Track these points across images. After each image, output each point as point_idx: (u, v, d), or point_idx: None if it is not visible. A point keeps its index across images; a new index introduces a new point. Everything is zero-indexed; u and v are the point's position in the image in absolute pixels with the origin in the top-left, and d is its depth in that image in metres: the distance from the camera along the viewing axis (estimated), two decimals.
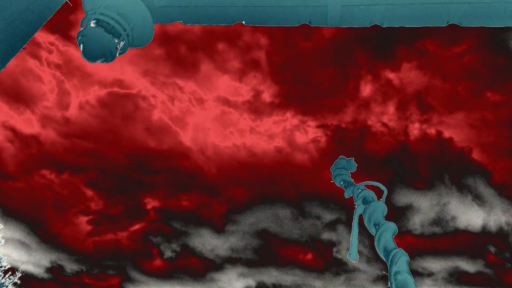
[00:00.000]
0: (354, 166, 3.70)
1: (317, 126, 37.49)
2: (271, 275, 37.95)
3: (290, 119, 37.69)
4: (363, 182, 3.09)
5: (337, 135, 37.23)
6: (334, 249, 37.20)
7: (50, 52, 33.86)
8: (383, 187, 2.92)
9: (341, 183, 3.49)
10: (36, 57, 33.30)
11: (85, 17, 3.50)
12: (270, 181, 38.42)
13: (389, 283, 2.17)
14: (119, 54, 3.66)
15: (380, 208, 2.69)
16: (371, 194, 2.91)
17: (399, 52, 33.87)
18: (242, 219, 38.44)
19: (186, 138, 37.69)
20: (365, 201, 2.83)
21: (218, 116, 37.83)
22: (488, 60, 31.74)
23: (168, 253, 38.28)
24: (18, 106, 33.94)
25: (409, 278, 2.11)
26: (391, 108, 35.73)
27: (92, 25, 3.42)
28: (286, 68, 36.07)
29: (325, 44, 34.74)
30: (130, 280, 37.74)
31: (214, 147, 38.03)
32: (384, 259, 2.35)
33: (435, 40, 32.33)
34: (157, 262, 38.03)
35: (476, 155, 34.61)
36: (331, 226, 37.40)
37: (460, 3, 3.04)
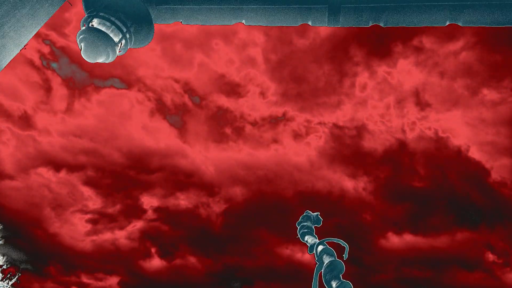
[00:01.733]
0: (319, 221, 3.74)
1: (313, 124, 37.54)
2: (269, 274, 38.03)
3: (286, 116, 37.72)
4: (325, 239, 3.15)
5: (334, 133, 37.30)
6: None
7: (45, 49, 33.76)
8: (344, 244, 3.00)
9: (305, 239, 3.53)
10: (32, 54, 33.19)
11: (85, 17, 3.51)
12: (268, 179, 38.48)
13: None
14: (119, 54, 3.66)
15: (338, 266, 2.76)
16: (331, 251, 2.97)
17: (396, 49, 33.95)
18: (240, 217, 38.48)
19: (184, 136, 37.66)
20: (325, 259, 2.88)
21: (215, 114, 37.82)
22: (485, 57, 31.86)
23: (166, 253, 38.29)
24: (13, 104, 33.84)
25: None
26: (388, 106, 35.81)
27: (92, 25, 3.43)
28: (282, 66, 36.08)
29: (321, 41, 34.75)
30: (128, 279, 37.75)
31: (211, 146, 38.03)
32: None
33: (431, 37, 32.41)
34: (156, 261, 38.05)
35: (473, 153, 34.77)
36: (330, 224, 37.51)
37: (460, 3, 3.06)
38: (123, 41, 3.63)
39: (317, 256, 2.99)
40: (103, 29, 3.44)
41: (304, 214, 3.79)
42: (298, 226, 3.73)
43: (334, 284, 2.55)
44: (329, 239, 3.07)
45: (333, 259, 2.79)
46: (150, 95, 36.24)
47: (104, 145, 36.46)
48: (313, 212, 3.81)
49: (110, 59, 3.59)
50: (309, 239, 3.40)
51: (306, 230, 3.55)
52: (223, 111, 37.60)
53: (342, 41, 34.13)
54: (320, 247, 3.00)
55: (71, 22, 33.56)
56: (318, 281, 2.83)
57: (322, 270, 2.74)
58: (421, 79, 34.11)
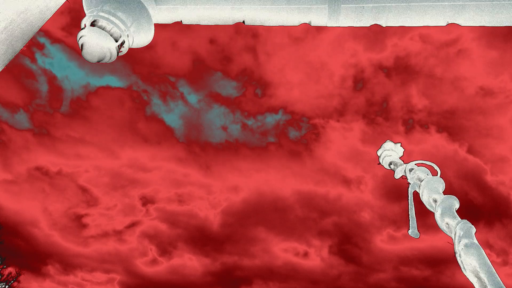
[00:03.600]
0: (401, 151, 3.72)
1: (311, 122, 37.59)
2: (267, 273, 38.11)
3: (283, 114, 37.78)
4: (415, 161, 3.11)
5: (333, 130, 37.34)
6: (330, 247, 37.39)
7: (42, 48, 33.73)
8: (435, 166, 2.92)
9: (390, 165, 3.52)
10: (28, 53, 33.17)
11: (85, 17, 3.50)
12: (266, 178, 38.49)
13: (457, 255, 2.11)
14: (119, 54, 3.66)
15: (437, 182, 2.66)
16: (425, 170, 2.91)
17: (392, 44, 33.98)
18: (238, 216, 38.53)
19: (182, 135, 37.68)
20: (420, 178, 2.81)
21: (211, 112, 37.83)
22: (482, 54, 31.90)
23: (164, 252, 38.31)
24: (12, 103, 33.79)
25: (480, 248, 2.08)
26: (385, 102, 35.87)
27: (92, 25, 3.43)
28: (279, 63, 36.08)
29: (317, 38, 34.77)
30: (127, 278, 37.77)
31: (209, 144, 38.05)
32: (448, 233, 2.32)
33: (428, 32, 32.42)
34: (154, 260, 38.05)
35: (472, 151, 34.84)
36: (328, 223, 37.56)
37: (460, 3, 3.07)
38: (124, 41, 3.63)
39: (409, 177, 2.95)
40: (104, 29, 3.44)
41: (385, 142, 3.77)
42: (380, 154, 3.71)
43: (438, 198, 2.43)
44: (418, 161, 3.04)
45: (430, 176, 2.73)
46: (146, 93, 36.25)
47: (102, 144, 36.46)
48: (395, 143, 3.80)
49: (111, 59, 3.59)
50: (395, 164, 3.40)
51: (390, 156, 3.55)
52: (221, 109, 37.63)
53: (338, 36, 34.17)
54: (412, 168, 2.97)
55: (69, 21, 33.49)
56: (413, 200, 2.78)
57: (420, 189, 2.67)
58: (419, 77, 34.20)
